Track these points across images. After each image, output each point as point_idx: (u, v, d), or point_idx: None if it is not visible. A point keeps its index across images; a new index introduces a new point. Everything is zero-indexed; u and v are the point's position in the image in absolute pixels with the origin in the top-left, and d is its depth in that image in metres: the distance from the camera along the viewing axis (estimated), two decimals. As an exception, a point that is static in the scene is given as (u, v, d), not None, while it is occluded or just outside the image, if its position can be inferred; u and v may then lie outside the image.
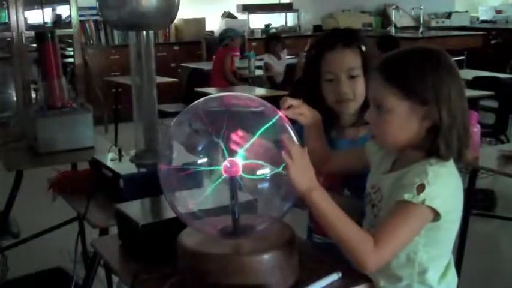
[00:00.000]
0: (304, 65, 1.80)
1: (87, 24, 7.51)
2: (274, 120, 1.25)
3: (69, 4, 5.93)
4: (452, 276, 1.43)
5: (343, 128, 1.74)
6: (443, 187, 1.28)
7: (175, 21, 3.63)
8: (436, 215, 1.27)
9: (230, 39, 6.43)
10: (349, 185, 1.68)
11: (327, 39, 1.72)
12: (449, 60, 1.33)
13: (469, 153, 1.35)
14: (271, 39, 7.00)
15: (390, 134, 1.33)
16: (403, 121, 1.30)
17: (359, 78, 1.66)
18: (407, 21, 9.66)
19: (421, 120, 1.30)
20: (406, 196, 1.25)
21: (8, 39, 5.48)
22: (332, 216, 1.25)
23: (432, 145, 1.29)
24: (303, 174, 1.22)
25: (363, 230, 1.27)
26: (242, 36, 7.28)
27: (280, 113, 1.30)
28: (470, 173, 2.95)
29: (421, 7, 9.13)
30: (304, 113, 1.50)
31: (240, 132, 1.25)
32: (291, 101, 1.45)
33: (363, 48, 1.66)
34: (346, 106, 1.69)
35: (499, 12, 9.84)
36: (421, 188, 1.25)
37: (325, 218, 1.25)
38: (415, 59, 1.31)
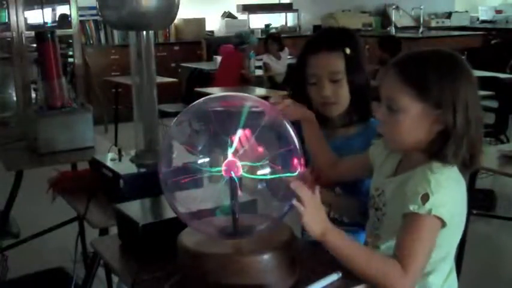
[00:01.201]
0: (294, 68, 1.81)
1: (87, 24, 7.52)
2: (277, 126, 1.25)
3: (69, 4, 5.93)
4: (453, 280, 1.42)
5: (333, 128, 1.75)
6: (447, 194, 1.27)
7: (175, 21, 3.63)
8: (442, 222, 1.27)
9: (248, 45, 6.38)
10: (340, 183, 1.69)
11: (311, 43, 1.73)
12: (467, 66, 1.32)
13: (481, 160, 1.33)
14: (267, 39, 7.00)
15: (399, 134, 1.32)
16: (414, 122, 1.29)
17: (342, 82, 1.67)
18: (407, 21, 9.66)
19: (432, 123, 1.28)
20: (412, 208, 1.24)
21: (8, 39, 5.48)
22: (351, 255, 1.24)
23: (439, 149, 1.28)
24: (315, 218, 1.22)
25: (387, 258, 1.26)
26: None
27: (280, 113, 1.30)
28: (470, 173, 2.95)
29: (421, 7, 9.13)
30: (289, 105, 1.48)
31: (243, 132, 1.24)
32: (274, 99, 1.46)
33: (347, 51, 1.66)
34: (329, 109, 1.70)
35: (499, 12, 9.84)
36: (426, 197, 1.24)
37: (345, 257, 1.24)
38: (435, 61, 1.29)
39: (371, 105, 1.71)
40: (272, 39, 6.91)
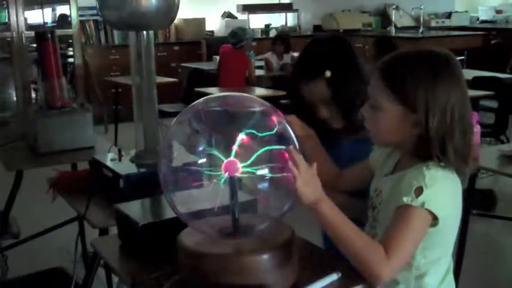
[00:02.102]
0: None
1: (87, 24, 7.52)
2: (277, 127, 1.25)
3: (69, 4, 5.93)
4: (450, 281, 1.42)
5: (339, 136, 1.75)
6: (441, 191, 1.27)
7: (175, 21, 3.63)
8: (434, 219, 1.27)
9: (246, 41, 6.31)
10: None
11: (296, 71, 1.75)
12: (453, 67, 1.30)
13: (469, 167, 1.33)
14: (275, 40, 6.98)
15: (380, 131, 1.35)
16: (394, 123, 1.31)
17: (332, 104, 1.68)
18: (407, 21, 9.67)
19: (412, 126, 1.29)
20: (405, 199, 1.25)
21: (8, 39, 5.48)
22: (341, 227, 1.24)
23: (427, 152, 1.28)
24: (309, 185, 1.22)
25: (373, 240, 1.26)
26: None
27: (282, 114, 1.29)
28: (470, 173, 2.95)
29: (421, 7, 9.13)
30: (294, 121, 1.50)
31: (244, 139, 1.24)
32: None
33: (327, 74, 1.64)
34: (330, 124, 1.72)
35: (499, 12, 9.84)
36: (419, 190, 1.24)
37: (333, 228, 1.25)
38: (415, 64, 1.30)
39: None
40: (280, 41, 6.88)
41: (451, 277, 1.42)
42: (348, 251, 1.25)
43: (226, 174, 1.23)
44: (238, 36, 6.24)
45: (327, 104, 1.69)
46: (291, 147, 1.22)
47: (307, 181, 1.21)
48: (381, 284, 1.24)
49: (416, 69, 1.28)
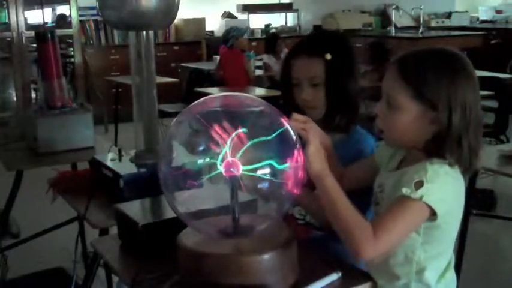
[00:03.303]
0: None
1: (87, 24, 7.52)
2: (281, 129, 1.25)
3: (69, 4, 5.93)
4: (451, 276, 1.43)
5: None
6: (442, 187, 1.27)
7: (175, 21, 3.63)
8: (433, 214, 1.27)
9: (235, 39, 6.31)
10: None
11: (295, 47, 1.75)
12: (468, 67, 1.31)
13: (479, 163, 1.33)
14: (275, 39, 6.98)
15: (397, 131, 1.33)
16: (412, 121, 1.30)
17: (320, 87, 1.68)
18: (407, 21, 9.66)
19: (430, 123, 1.29)
20: (404, 190, 1.25)
21: (8, 39, 5.48)
22: (338, 201, 1.27)
23: (438, 149, 1.29)
24: (319, 156, 1.29)
25: (366, 220, 1.27)
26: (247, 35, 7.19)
27: (282, 116, 1.29)
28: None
29: (421, 7, 9.12)
30: (307, 129, 1.46)
31: (241, 133, 1.24)
32: (299, 117, 1.45)
33: (328, 57, 1.66)
34: (309, 112, 1.69)
35: (499, 12, 9.83)
36: (419, 184, 1.25)
37: (331, 202, 1.27)
38: (433, 61, 1.30)
39: (357, 111, 1.71)
40: (281, 40, 6.92)
41: (451, 272, 1.42)
42: (339, 225, 1.27)
43: (226, 174, 1.23)
44: (223, 36, 6.33)
45: (315, 85, 1.67)
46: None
47: (318, 151, 1.30)
48: (362, 262, 1.27)
49: (435, 66, 1.28)
